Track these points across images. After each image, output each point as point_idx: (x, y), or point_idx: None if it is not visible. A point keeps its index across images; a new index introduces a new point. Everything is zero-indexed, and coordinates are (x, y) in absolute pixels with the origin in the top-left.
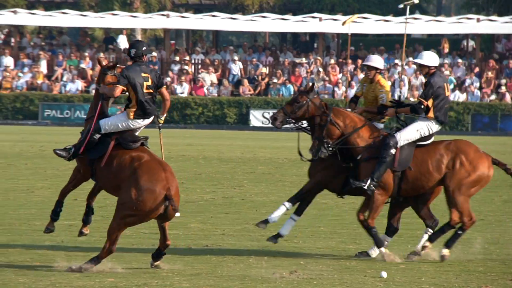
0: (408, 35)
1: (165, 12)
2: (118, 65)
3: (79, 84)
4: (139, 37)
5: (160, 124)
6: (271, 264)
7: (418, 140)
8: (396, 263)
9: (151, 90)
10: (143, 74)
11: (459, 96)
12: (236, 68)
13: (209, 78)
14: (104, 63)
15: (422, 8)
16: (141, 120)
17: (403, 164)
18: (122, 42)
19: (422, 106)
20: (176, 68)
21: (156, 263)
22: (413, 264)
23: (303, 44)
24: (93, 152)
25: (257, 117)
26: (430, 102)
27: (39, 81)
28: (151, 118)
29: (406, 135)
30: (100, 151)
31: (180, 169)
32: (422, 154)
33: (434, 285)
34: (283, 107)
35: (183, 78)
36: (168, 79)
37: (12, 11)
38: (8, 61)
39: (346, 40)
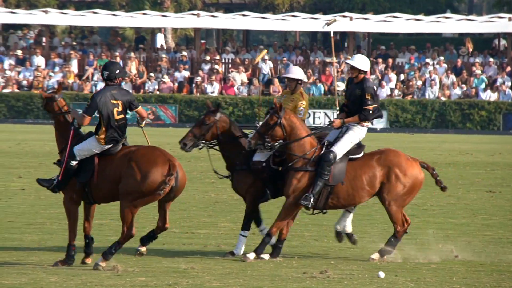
0: (439, 34)
1: (195, 12)
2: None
3: None
4: (169, 36)
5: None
6: (301, 264)
7: (349, 152)
8: (428, 263)
9: (122, 116)
10: (113, 101)
11: (490, 96)
12: (267, 67)
13: (239, 77)
14: (43, 95)
15: (453, 7)
16: (112, 145)
17: (336, 179)
18: (159, 40)
19: (371, 112)
20: (206, 67)
21: (143, 249)
22: (444, 264)
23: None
24: (82, 176)
25: None
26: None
27: (70, 80)
28: (121, 144)
29: (343, 149)
30: (88, 171)
31: (209, 168)
32: (355, 169)
33: (465, 285)
34: (191, 130)
35: (213, 77)
36: (199, 78)
37: (43, 11)
38: (40, 60)
39: (376, 39)
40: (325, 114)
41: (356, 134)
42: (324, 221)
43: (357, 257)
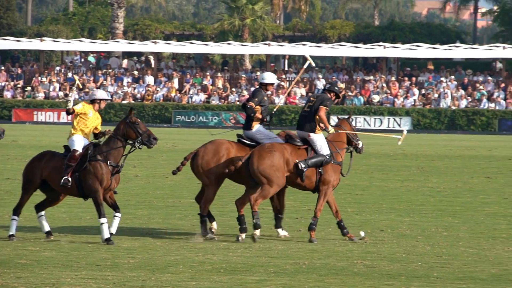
0: (451, 58)
1: (267, 42)
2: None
3: (202, 96)
4: (247, 61)
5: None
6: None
7: None
8: (440, 231)
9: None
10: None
11: (489, 105)
12: (320, 84)
13: (299, 91)
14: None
15: (461, 39)
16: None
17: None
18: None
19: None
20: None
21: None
22: (453, 232)
23: (371, 65)
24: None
25: (334, 120)
26: (259, 110)
27: (172, 94)
28: None
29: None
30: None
31: None
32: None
33: (468, 247)
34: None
35: (279, 91)
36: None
37: (153, 42)
38: (150, 79)
39: (404, 63)
40: (364, 119)
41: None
42: (362, 200)
43: (387, 227)
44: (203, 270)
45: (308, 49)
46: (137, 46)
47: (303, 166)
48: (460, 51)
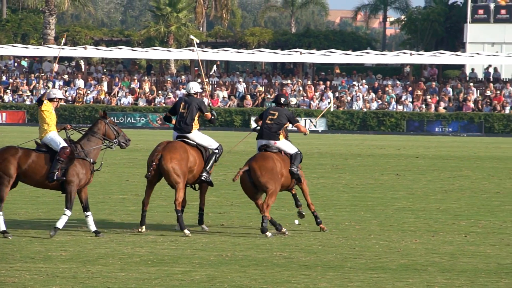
0: (362, 64)
1: (191, 48)
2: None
3: (130, 99)
4: (172, 66)
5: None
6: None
7: None
8: (350, 225)
9: None
10: None
11: (397, 107)
12: (241, 87)
13: (222, 94)
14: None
15: (372, 45)
16: None
17: None
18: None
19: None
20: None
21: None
22: (365, 225)
23: (288, 70)
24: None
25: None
26: (197, 117)
27: (102, 96)
28: None
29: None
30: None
31: None
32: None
33: (379, 240)
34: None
35: (203, 94)
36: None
37: (83, 47)
38: (80, 82)
39: (319, 68)
40: None
41: None
42: (281, 196)
43: (304, 221)
44: (131, 262)
45: (229, 55)
46: (68, 51)
47: (295, 169)
48: (370, 57)
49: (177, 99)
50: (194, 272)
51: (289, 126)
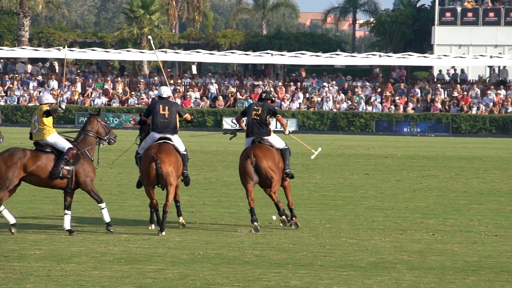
0: (332, 65)
1: (163, 49)
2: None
3: (104, 99)
4: (145, 67)
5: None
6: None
7: None
8: (320, 224)
9: None
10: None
11: (367, 108)
12: (213, 88)
13: (194, 95)
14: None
15: (341, 47)
16: None
17: None
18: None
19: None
20: (171, 88)
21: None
22: (335, 224)
23: (259, 71)
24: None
25: (227, 122)
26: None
27: (76, 97)
28: None
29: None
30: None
31: None
32: None
33: (349, 238)
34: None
35: (176, 95)
36: None
37: (57, 49)
38: (54, 83)
39: (289, 69)
40: None
41: None
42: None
43: (275, 220)
44: (105, 260)
45: (202, 56)
46: (42, 53)
47: (289, 171)
48: (340, 59)
49: (151, 102)
50: (167, 270)
51: (273, 120)
